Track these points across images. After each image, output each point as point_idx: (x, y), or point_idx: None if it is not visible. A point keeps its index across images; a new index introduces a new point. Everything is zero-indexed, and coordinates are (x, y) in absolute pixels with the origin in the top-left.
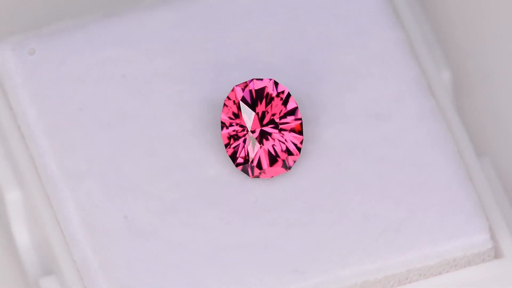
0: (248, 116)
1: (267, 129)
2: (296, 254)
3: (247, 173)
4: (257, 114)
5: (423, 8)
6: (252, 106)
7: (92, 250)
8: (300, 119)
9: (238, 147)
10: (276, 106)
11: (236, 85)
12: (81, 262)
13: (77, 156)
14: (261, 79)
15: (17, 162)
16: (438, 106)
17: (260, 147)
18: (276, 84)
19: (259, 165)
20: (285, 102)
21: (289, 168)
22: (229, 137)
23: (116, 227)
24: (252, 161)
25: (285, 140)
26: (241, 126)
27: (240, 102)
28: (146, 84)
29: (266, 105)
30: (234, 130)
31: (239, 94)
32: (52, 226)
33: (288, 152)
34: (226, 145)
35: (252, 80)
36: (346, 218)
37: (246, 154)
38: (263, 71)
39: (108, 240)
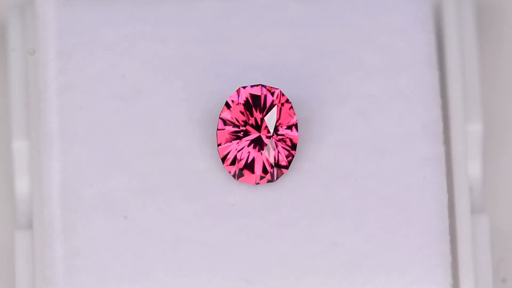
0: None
1: (265, 137)
2: (253, 264)
3: (233, 175)
4: (260, 120)
5: (473, 52)
6: (250, 110)
7: (60, 213)
8: (297, 134)
9: (232, 147)
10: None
11: (242, 87)
12: (48, 222)
13: (79, 121)
14: (265, 86)
15: (31, 113)
16: (447, 155)
17: (254, 153)
18: (281, 94)
19: (247, 170)
20: (286, 114)
21: (274, 180)
22: (225, 136)
23: (90, 198)
24: (240, 164)
25: (278, 152)
26: (237, 126)
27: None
28: (169, 67)
29: (266, 113)
30: (232, 132)
31: (244, 95)
32: (36, 182)
33: (278, 165)
34: (219, 144)
35: (259, 85)
36: (314, 241)
37: (240, 157)
38: (286, 80)
39: (78, 208)
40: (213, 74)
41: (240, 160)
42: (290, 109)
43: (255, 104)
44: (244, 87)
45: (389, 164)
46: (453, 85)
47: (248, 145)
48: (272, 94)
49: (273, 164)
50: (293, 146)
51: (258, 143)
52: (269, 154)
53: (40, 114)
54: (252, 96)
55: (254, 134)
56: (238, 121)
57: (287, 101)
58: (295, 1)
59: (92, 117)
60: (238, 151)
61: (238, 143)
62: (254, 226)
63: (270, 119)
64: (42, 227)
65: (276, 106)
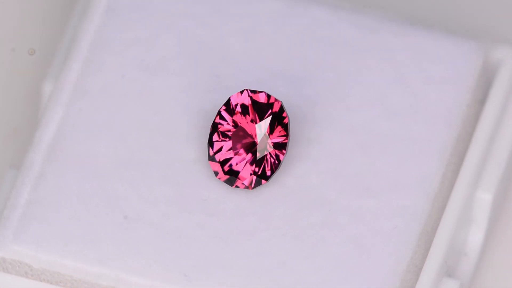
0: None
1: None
2: (197, 262)
3: (214, 172)
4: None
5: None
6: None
7: (41, 161)
8: (283, 153)
9: (222, 144)
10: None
11: (247, 90)
12: (28, 166)
13: (92, 83)
14: (270, 96)
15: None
16: (431, 214)
17: (241, 157)
18: (282, 108)
19: (228, 171)
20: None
21: (250, 188)
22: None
23: (74, 155)
24: (222, 164)
25: (265, 162)
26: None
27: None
28: (194, 52)
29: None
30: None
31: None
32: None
33: (260, 175)
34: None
35: (262, 92)
36: (264, 256)
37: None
38: (303, 96)
39: (59, 162)
40: (237, 69)
41: (228, 160)
42: (284, 125)
43: (255, 108)
44: (251, 91)
45: (370, 205)
46: (472, 151)
47: (239, 148)
48: (272, 105)
49: (255, 172)
50: (278, 161)
51: (249, 148)
52: (253, 161)
53: (64, 64)
54: (254, 101)
55: (249, 139)
56: (234, 121)
57: (284, 117)
58: (348, 22)
59: (104, 83)
60: (228, 150)
61: (231, 142)
62: (213, 226)
63: (260, 128)
64: (21, 170)
65: (269, 118)
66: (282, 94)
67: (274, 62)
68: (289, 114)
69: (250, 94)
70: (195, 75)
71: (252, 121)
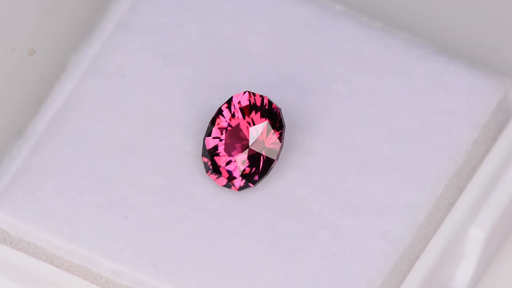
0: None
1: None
2: (168, 255)
3: (205, 168)
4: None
5: None
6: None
7: (42, 130)
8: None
9: (217, 141)
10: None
11: (249, 91)
12: (28, 133)
13: (107, 63)
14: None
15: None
16: (416, 243)
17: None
18: (280, 115)
19: (218, 169)
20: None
21: (236, 189)
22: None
23: (70, 143)
24: (214, 161)
25: (253, 169)
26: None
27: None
28: (222, 48)
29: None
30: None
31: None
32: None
33: (247, 178)
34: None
35: (264, 96)
36: (233, 257)
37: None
38: (307, 108)
39: (58, 133)
40: (252, 70)
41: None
42: (278, 133)
43: (254, 111)
44: (253, 94)
45: (352, 224)
46: (472, 187)
47: (231, 148)
48: (271, 110)
49: (243, 175)
50: (268, 167)
51: (241, 150)
52: (243, 163)
53: (86, 41)
54: (254, 104)
55: (242, 141)
56: (232, 121)
57: (281, 124)
58: (373, 39)
59: (124, 64)
60: (221, 148)
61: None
62: (193, 221)
63: (255, 132)
64: (22, 136)
65: (265, 123)
66: (290, 101)
67: (289, 68)
68: (292, 122)
69: (252, 96)
70: (209, 69)
71: (248, 123)
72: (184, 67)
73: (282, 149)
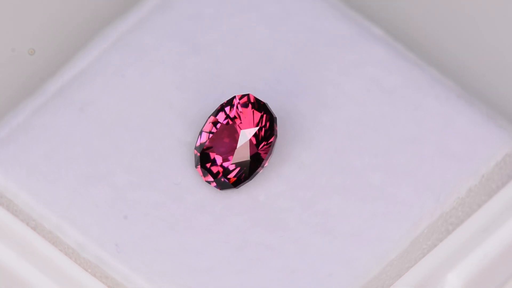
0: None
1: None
2: (134, 239)
3: (195, 161)
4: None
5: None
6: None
7: (42, 105)
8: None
9: (210, 137)
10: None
11: (249, 94)
12: (37, 94)
13: (134, 40)
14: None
15: None
16: (384, 278)
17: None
18: (275, 124)
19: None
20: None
21: (219, 188)
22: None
23: (72, 112)
24: (203, 156)
25: (238, 171)
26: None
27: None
28: (249, 48)
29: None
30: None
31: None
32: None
33: (228, 179)
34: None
35: (264, 102)
36: (203, 253)
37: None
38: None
39: (55, 109)
40: (272, 75)
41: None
42: (269, 141)
43: (250, 115)
44: (255, 98)
45: (320, 245)
46: (458, 234)
47: (221, 146)
48: (267, 117)
49: (226, 174)
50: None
51: (230, 150)
52: (228, 163)
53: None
54: (253, 107)
55: (232, 142)
56: (229, 119)
57: (271, 133)
58: (399, 69)
59: (148, 43)
60: (213, 145)
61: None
62: (167, 211)
63: (245, 135)
64: (32, 95)
65: (256, 128)
66: (298, 112)
67: (308, 81)
68: (294, 134)
69: (252, 100)
70: (231, 66)
71: (242, 125)
72: (207, 59)
73: (276, 159)
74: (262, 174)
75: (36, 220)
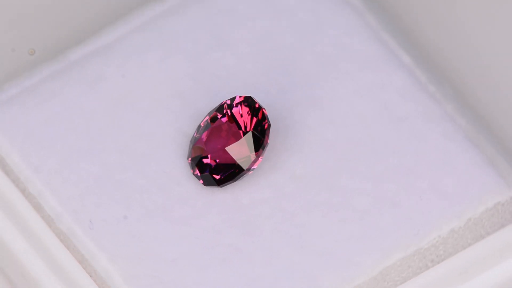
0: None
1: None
2: (111, 216)
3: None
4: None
5: None
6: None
7: (54, 71)
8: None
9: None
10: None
11: (250, 96)
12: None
13: (166, 30)
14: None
15: None
16: None
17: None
18: (268, 130)
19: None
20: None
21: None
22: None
23: (81, 85)
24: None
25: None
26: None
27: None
28: (268, 56)
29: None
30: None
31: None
32: None
33: (213, 176)
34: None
35: (262, 108)
36: (167, 243)
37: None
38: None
39: (66, 81)
40: (288, 84)
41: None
42: (263, 147)
43: (245, 117)
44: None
45: (287, 257)
46: (427, 274)
47: (211, 142)
48: (263, 124)
49: (212, 172)
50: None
51: (219, 149)
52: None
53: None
54: (250, 110)
55: (222, 141)
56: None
57: (264, 138)
58: (419, 106)
59: (176, 30)
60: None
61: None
62: (149, 196)
63: (235, 137)
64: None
65: (249, 133)
66: (303, 124)
67: (320, 95)
68: (293, 145)
69: (252, 103)
70: (250, 65)
71: (239, 127)
72: (229, 55)
73: (270, 166)
74: (251, 179)
75: (23, 183)
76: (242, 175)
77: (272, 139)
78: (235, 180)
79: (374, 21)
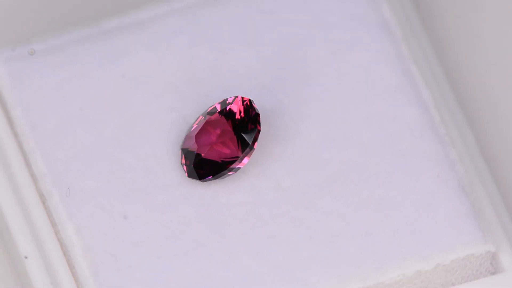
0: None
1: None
2: (90, 191)
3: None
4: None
5: None
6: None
7: (81, 37)
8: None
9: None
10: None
11: (251, 99)
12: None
13: (191, 24)
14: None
15: None
16: None
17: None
18: (257, 133)
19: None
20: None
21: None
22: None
23: (106, 59)
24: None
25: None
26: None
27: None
28: (273, 56)
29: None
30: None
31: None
32: None
33: (196, 169)
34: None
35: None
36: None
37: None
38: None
39: (91, 50)
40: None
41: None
42: (245, 150)
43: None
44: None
45: (243, 265)
46: None
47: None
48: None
49: (197, 166)
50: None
51: (207, 144)
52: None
53: None
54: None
55: (211, 137)
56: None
57: (249, 144)
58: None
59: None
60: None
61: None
62: (129, 176)
63: (221, 137)
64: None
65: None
66: (303, 139)
67: (331, 115)
68: (283, 152)
69: (250, 106)
70: (269, 70)
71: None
72: (252, 56)
73: (258, 172)
74: (236, 180)
75: (20, 138)
76: (224, 174)
77: (268, 146)
78: (217, 178)
79: (407, 51)
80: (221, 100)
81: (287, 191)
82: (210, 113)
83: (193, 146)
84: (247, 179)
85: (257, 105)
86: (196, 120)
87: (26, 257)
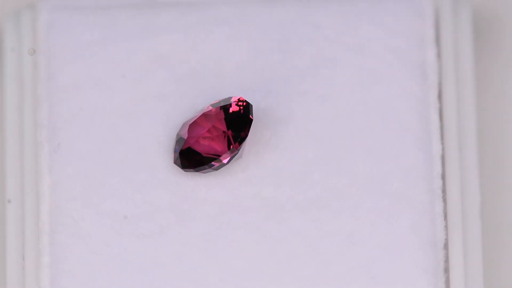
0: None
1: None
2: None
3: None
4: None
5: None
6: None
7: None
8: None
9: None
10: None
11: (250, 104)
12: None
13: (205, 17)
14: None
15: None
16: None
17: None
18: (247, 131)
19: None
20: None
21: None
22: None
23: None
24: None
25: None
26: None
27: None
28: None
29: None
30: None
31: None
32: None
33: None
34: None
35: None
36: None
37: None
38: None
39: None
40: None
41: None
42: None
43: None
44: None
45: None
46: None
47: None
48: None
49: (183, 155)
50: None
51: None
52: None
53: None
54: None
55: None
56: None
57: (242, 138)
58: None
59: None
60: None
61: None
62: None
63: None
64: None
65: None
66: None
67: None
68: (280, 161)
69: (248, 108)
70: (291, 77)
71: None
72: (278, 62)
73: (244, 177)
74: (220, 178)
75: (36, 84)
76: (204, 169)
77: (263, 155)
78: (198, 171)
79: (434, 100)
80: (227, 97)
81: (264, 201)
82: (213, 106)
83: (184, 134)
84: (232, 180)
85: (266, 111)
86: (203, 109)
87: (9, 201)
